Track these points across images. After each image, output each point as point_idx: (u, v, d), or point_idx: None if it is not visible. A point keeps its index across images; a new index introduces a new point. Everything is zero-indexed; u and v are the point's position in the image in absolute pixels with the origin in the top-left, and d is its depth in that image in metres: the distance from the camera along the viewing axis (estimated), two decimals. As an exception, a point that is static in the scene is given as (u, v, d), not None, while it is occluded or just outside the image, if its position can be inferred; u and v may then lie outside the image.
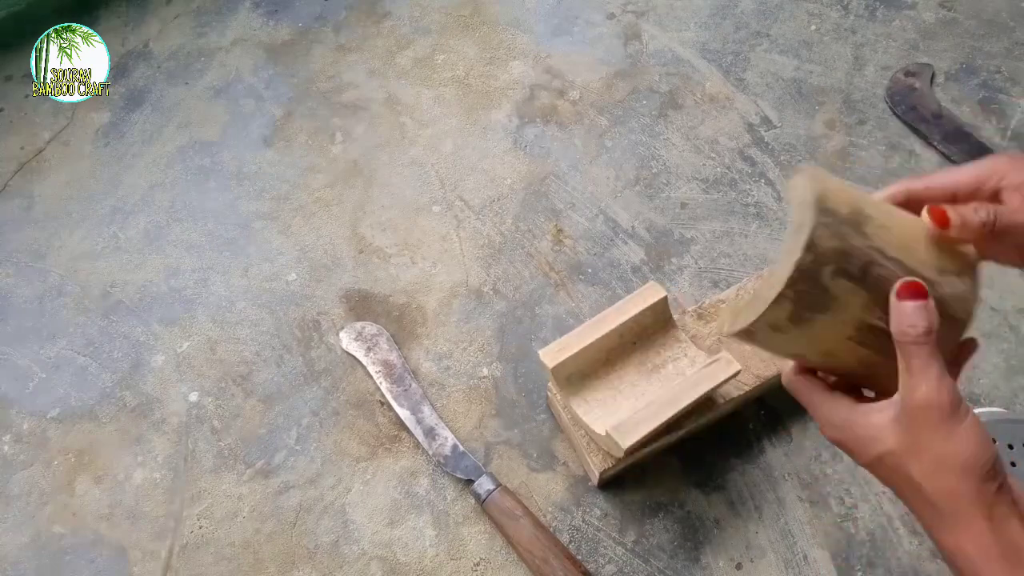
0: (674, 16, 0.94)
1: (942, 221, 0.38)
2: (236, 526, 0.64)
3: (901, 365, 0.37)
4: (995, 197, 0.39)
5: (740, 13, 0.93)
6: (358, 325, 0.72)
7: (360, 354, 0.70)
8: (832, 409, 0.40)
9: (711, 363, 0.57)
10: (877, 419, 0.38)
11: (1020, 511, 0.36)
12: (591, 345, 0.59)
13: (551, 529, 0.61)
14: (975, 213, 0.38)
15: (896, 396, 0.37)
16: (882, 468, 0.38)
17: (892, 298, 0.37)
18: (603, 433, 0.56)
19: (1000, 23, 0.88)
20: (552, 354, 0.59)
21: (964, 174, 0.40)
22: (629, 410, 0.57)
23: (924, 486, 0.36)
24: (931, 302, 0.36)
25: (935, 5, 0.91)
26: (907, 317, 0.36)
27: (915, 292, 0.36)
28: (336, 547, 0.63)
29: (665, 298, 0.60)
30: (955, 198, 0.40)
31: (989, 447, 0.36)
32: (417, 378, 0.69)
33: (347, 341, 0.71)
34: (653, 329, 0.62)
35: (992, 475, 0.36)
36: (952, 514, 0.36)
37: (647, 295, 0.60)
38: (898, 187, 0.41)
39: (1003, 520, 0.35)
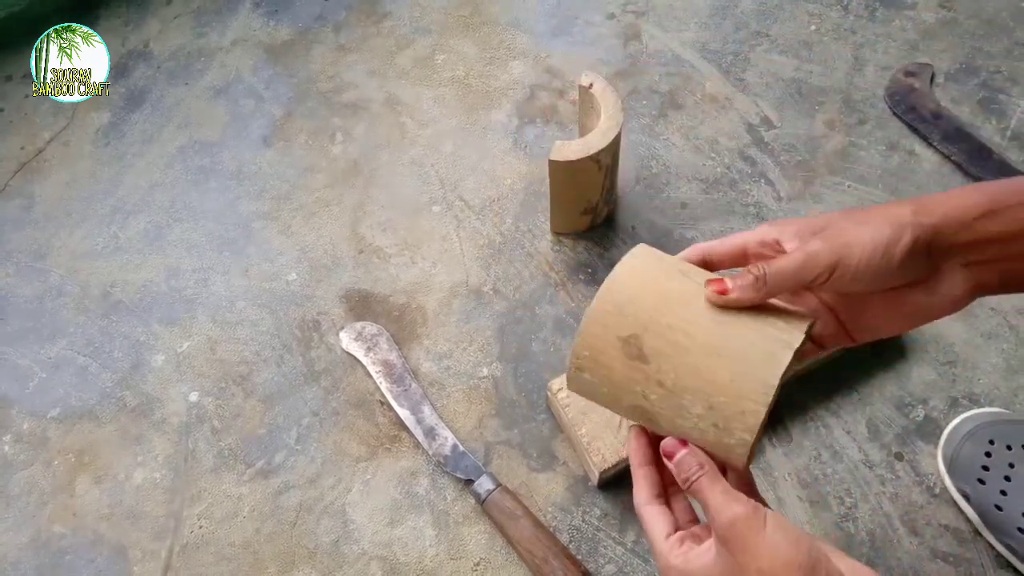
0: (674, 16, 0.94)
1: (722, 290, 0.40)
2: (236, 526, 0.64)
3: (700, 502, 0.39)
4: (778, 247, 0.42)
5: (740, 13, 0.93)
6: (358, 325, 0.72)
7: (360, 354, 0.70)
8: (663, 554, 0.41)
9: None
10: (700, 563, 0.39)
11: None
12: None
13: (551, 529, 0.61)
14: (747, 273, 0.40)
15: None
16: None
17: (664, 458, 0.41)
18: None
19: (1000, 23, 0.88)
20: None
21: (749, 234, 0.43)
22: None
23: None
24: (690, 447, 0.40)
25: (935, 5, 0.91)
26: (682, 470, 0.40)
27: (674, 447, 0.41)
28: (336, 547, 0.63)
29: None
30: (744, 254, 0.43)
31: (801, 540, 0.37)
32: (417, 378, 0.70)
33: (347, 341, 0.71)
34: None
35: (813, 568, 0.36)
36: None
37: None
38: (695, 249, 0.45)
39: None
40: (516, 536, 0.59)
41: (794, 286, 0.40)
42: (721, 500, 0.38)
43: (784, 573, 0.36)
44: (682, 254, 0.45)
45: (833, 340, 0.46)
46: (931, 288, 0.41)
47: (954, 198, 0.40)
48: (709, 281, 0.41)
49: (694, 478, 0.40)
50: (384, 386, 0.68)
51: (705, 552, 0.39)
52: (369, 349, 0.70)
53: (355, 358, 0.71)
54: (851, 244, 0.39)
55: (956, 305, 0.41)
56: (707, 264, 0.44)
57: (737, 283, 0.40)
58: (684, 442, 0.41)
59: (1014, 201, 0.39)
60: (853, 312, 0.44)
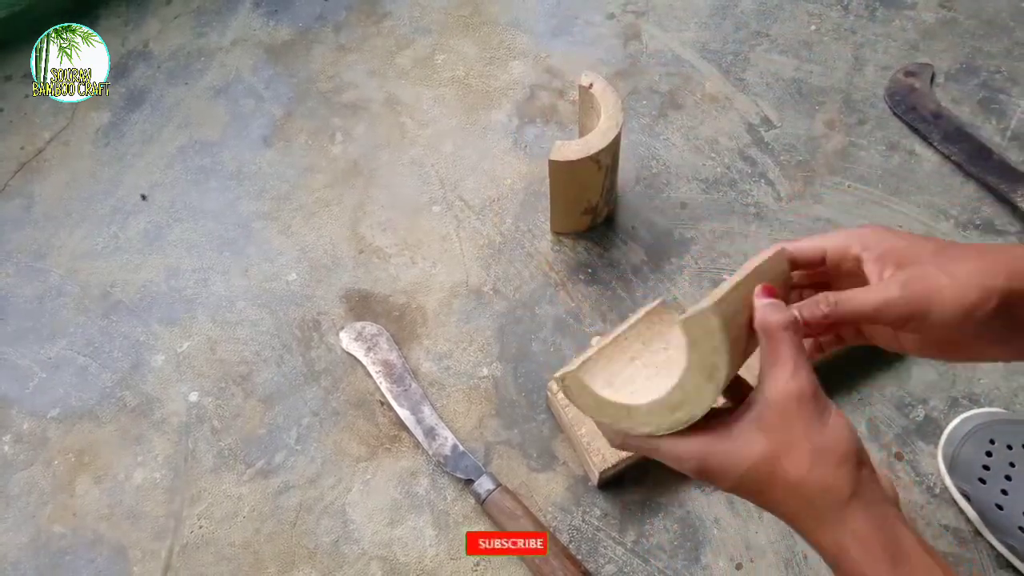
0: (674, 16, 0.94)
1: (772, 294, 0.39)
2: (236, 526, 0.64)
3: (765, 358, 0.37)
4: (857, 263, 0.40)
5: (740, 13, 0.93)
6: (358, 325, 0.72)
7: (360, 354, 0.70)
8: (680, 442, 0.38)
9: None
10: (737, 432, 0.37)
11: (885, 494, 0.36)
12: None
13: (551, 529, 0.61)
14: (817, 305, 0.39)
15: (752, 401, 0.37)
16: (752, 482, 0.37)
17: (754, 299, 0.38)
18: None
19: (1000, 23, 0.88)
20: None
21: (832, 240, 0.41)
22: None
23: (802, 484, 0.35)
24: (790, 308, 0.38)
25: (935, 5, 0.91)
26: (769, 310, 0.37)
27: (771, 292, 0.38)
28: (336, 547, 0.63)
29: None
30: (823, 260, 0.41)
31: (856, 433, 0.36)
32: (417, 378, 0.69)
33: (347, 341, 0.71)
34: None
35: (864, 461, 0.35)
36: (832, 508, 0.35)
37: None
38: (775, 248, 0.42)
39: (879, 509, 0.35)
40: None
41: (862, 323, 0.39)
42: (803, 366, 0.36)
43: (836, 463, 0.35)
44: (765, 252, 0.42)
45: (850, 340, 0.45)
46: (1002, 344, 0.38)
47: None
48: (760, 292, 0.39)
49: (785, 327, 0.37)
50: (384, 386, 0.68)
51: (741, 420, 0.37)
52: (369, 349, 0.70)
53: (355, 358, 0.71)
54: (932, 299, 0.36)
55: (1011, 358, 0.39)
56: (794, 261, 0.42)
57: (805, 313, 0.39)
58: (777, 293, 0.39)
59: None
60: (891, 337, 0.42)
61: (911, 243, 0.39)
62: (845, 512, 0.35)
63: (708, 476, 0.38)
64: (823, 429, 0.35)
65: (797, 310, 0.39)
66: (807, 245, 0.41)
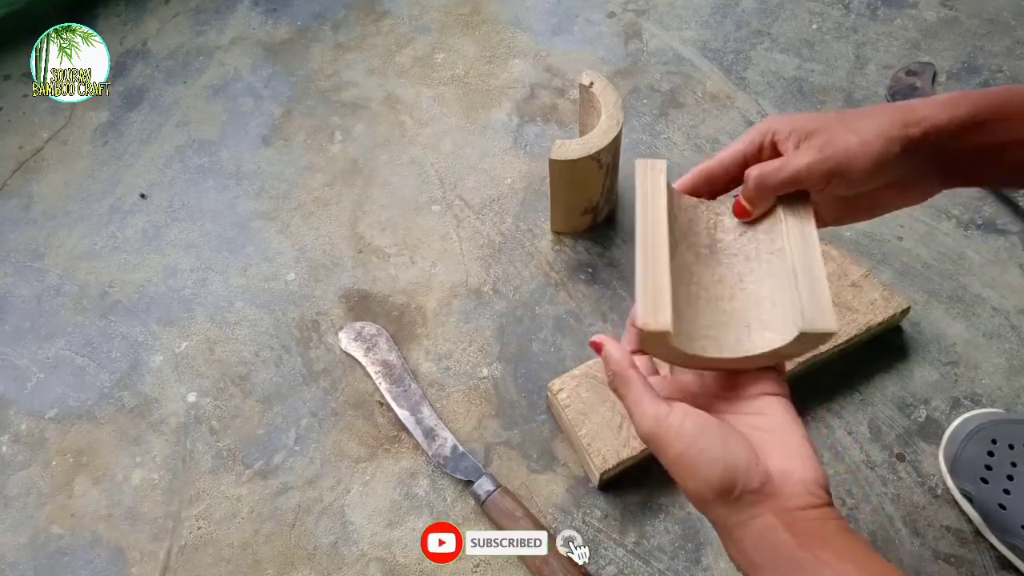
0: (675, 15, 0.93)
1: (743, 213, 0.44)
2: (235, 527, 0.64)
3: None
4: (775, 151, 0.43)
5: (741, 12, 0.93)
6: (357, 325, 0.72)
7: (359, 354, 0.70)
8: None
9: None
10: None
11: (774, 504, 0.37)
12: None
13: (551, 530, 0.61)
14: (747, 186, 0.42)
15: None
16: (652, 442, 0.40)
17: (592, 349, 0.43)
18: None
19: (1002, 22, 0.88)
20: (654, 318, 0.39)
21: (743, 142, 0.44)
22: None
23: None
24: (610, 345, 0.41)
25: (936, 4, 0.90)
26: (608, 364, 0.41)
27: (596, 346, 0.42)
28: (335, 548, 0.62)
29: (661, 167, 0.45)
30: (745, 162, 0.44)
31: (716, 462, 0.37)
32: (417, 378, 0.69)
33: (346, 341, 0.71)
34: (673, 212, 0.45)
35: (729, 489, 0.37)
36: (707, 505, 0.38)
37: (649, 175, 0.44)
38: (696, 172, 0.45)
39: (755, 522, 0.37)
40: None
41: (791, 190, 0.42)
42: (641, 407, 0.39)
43: (695, 488, 0.37)
44: (683, 179, 0.46)
45: None
46: (905, 189, 0.43)
47: (942, 109, 0.41)
48: (734, 206, 0.44)
49: (619, 370, 0.40)
50: (383, 387, 0.68)
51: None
52: (368, 349, 0.70)
53: (354, 358, 0.71)
54: (847, 155, 0.40)
55: (923, 200, 0.44)
56: (712, 182, 0.45)
57: (742, 194, 0.43)
58: (599, 346, 0.41)
59: (997, 115, 0.41)
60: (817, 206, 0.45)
61: (814, 116, 0.43)
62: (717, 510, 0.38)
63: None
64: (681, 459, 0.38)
65: (740, 197, 0.43)
66: (724, 156, 0.44)
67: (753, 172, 0.42)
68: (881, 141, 0.40)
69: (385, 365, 0.69)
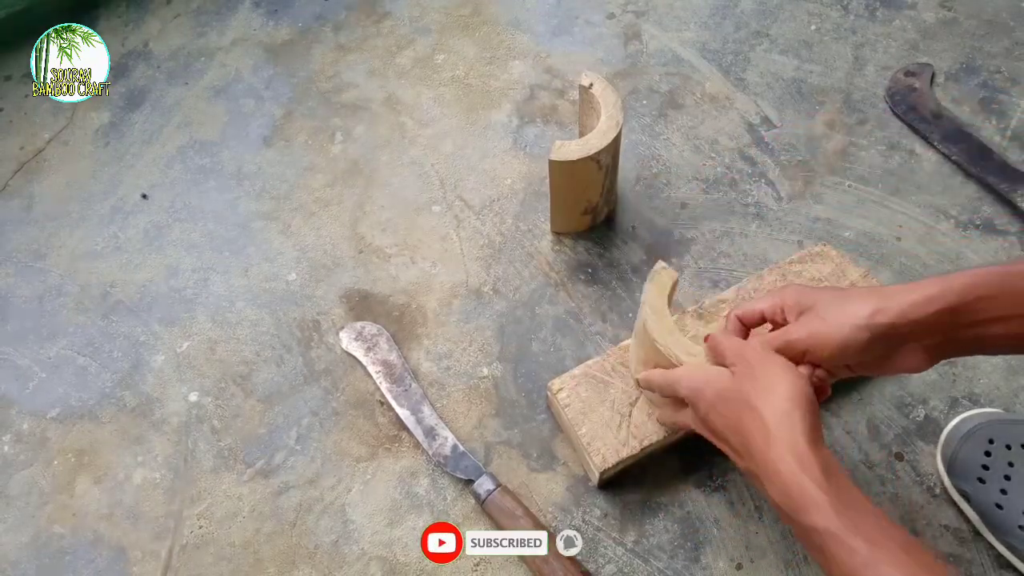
0: (674, 16, 0.94)
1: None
2: (236, 526, 0.64)
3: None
4: (784, 320, 0.51)
5: (740, 13, 0.93)
6: (358, 325, 0.72)
7: (360, 354, 0.70)
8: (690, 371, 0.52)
9: None
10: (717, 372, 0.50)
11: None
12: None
13: (551, 529, 0.61)
14: (762, 338, 0.51)
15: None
16: (723, 402, 0.48)
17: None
18: None
19: (1000, 23, 0.88)
20: None
21: (766, 303, 0.52)
22: None
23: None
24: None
25: (935, 5, 0.91)
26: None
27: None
28: (336, 547, 0.63)
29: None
30: (763, 318, 0.53)
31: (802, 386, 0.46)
32: (417, 378, 0.69)
33: (347, 341, 0.71)
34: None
35: (814, 407, 0.45)
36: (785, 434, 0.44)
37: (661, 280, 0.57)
38: (732, 317, 0.54)
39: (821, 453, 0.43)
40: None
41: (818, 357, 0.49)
42: (739, 341, 0.50)
43: (791, 403, 0.44)
44: (721, 324, 0.55)
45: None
46: (890, 364, 0.48)
47: (914, 295, 0.45)
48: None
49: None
50: (384, 386, 0.68)
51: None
52: (369, 349, 0.70)
53: (355, 358, 0.71)
54: (819, 337, 0.47)
55: (917, 371, 0.48)
56: (741, 323, 0.54)
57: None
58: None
59: (972, 296, 0.44)
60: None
61: (812, 296, 0.49)
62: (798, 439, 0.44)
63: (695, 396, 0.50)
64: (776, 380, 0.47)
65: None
66: (752, 310, 0.53)
67: (755, 340, 0.51)
68: (848, 329, 0.46)
69: (386, 365, 0.69)
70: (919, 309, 0.45)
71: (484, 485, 0.61)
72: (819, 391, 0.49)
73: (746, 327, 0.54)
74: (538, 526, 0.59)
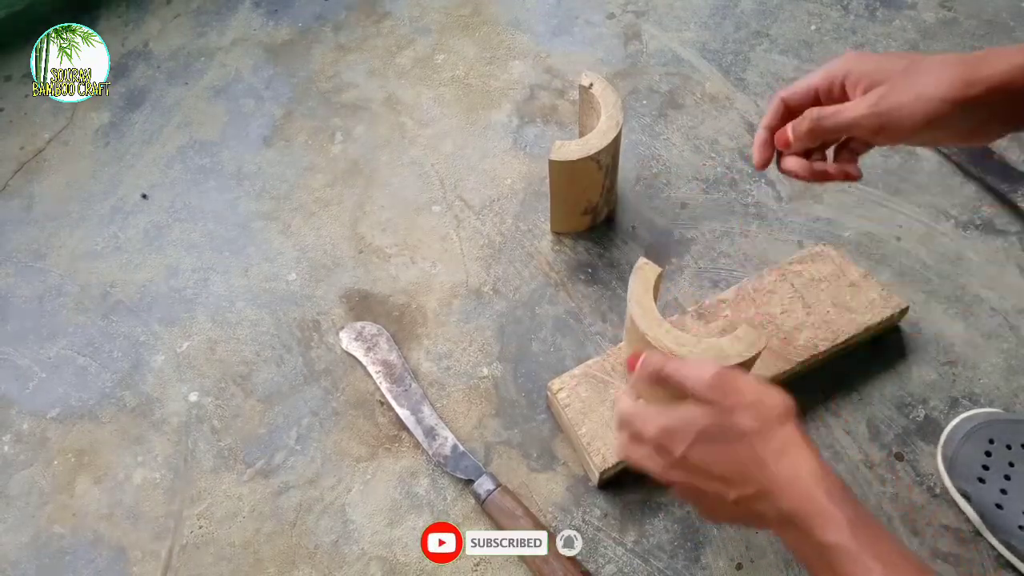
0: (674, 16, 0.94)
1: (785, 143, 0.51)
2: (236, 526, 0.64)
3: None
4: (843, 92, 0.47)
5: (740, 13, 0.93)
6: (358, 325, 0.72)
7: (360, 354, 0.70)
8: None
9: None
10: (685, 410, 0.45)
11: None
12: None
13: (551, 529, 0.61)
14: (802, 121, 0.48)
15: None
16: (721, 380, 0.44)
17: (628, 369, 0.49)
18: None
19: (1000, 23, 0.88)
20: None
21: (817, 76, 0.48)
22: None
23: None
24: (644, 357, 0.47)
25: (935, 5, 0.91)
26: (647, 364, 0.46)
27: (635, 356, 0.48)
28: (336, 547, 0.63)
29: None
30: (816, 95, 0.49)
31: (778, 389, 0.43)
32: (417, 378, 0.69)
33: (347, 341, 0.71)
34: None
35: (791, 410, 0.42)
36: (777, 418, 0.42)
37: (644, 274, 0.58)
38: (776, 100, 0.51)
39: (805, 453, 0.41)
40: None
41: (841, 136, 0.47)
42: (696, 364, 0.44)
43: (771, 406, 0.41)
44: (771, 107, 0.51)
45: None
46: (960, 138, 0.45)
47: (1002, 64, 0.42)
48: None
49: (661, 365, 0.45)
50: (384, 386, 0.68)
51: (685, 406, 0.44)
52: (369, 349, 0.70)
53: (355, 358, 0.71)
54: (898, 113, 0.43)
55: (980, 144, 0.48)
56: (787, 107, 0.50)
57: (795, 128, 0.48)
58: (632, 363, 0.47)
59: None
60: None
61: (882, 64, 0.45)
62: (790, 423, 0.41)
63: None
64: (746, 390, 0.43)
65: (790, 126, 0.49)
66: (799, 88, 0.49)
67: (812, 113, 0.47)
68: (936, 102, 0.42)
69: (386, 365, 0.69)
70: (1013, 79, 0.41)
71: (484, 485, 0.61)
72: (848, 174, 0.49)
73: (791, 111, 0.50)
74: (538, 526, 0.59)
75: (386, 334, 0.71)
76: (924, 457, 0.63)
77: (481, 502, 0.61)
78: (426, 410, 0.67)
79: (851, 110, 0.45)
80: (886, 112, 0.44)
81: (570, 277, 0.75)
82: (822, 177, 0.51)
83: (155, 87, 0.93)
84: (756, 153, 0.53)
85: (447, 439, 0.65)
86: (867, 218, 0.76)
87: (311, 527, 0.64)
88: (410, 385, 0.68)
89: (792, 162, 0.51)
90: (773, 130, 0.52)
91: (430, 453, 0.65)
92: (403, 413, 0.67)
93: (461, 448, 0.64)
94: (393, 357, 0.70)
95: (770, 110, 0.51)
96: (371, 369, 0.69)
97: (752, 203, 0.78)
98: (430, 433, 0.65)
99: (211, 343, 0.74)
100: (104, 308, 0.77)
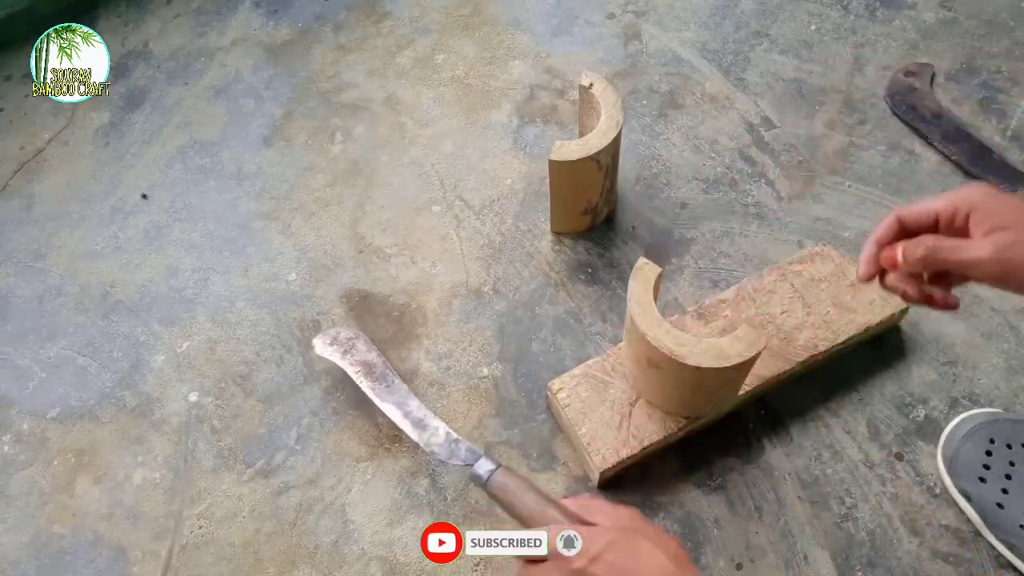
0: (674, 16, 0.94)
1: (893, 265, 0.46)
2: (236, 526, 0.64)
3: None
4: (965, 225, 0.45)
5: (740, 13, 0.93)
6: (332, 331, 0.70)
7: (336, 358, 0.68)
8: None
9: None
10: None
11: None
12: None
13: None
14: (917, 246, 0.45)
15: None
16: None
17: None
18: None
19: (1000, 23, 0.88)
20: None
21: (940, 202, 0.45)
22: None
23: None
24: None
25: (935, 5, 0.91)
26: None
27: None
28: (336, 547, 0.63)
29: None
30: (935, 223, 0.46)
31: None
32: (410, 377, 0.69)
33: (320, 347, 0.69)
34: None
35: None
36: None
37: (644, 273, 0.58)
38: (891, 217, 0.48)
39: None
40: (526, 513, 0.56)
41: (955, 271, 0.44)
42: (974, 245, 0.42)
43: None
44: (885, 222, 0.48)
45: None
46: None
47: None
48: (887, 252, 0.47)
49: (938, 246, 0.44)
50: (366, 384, 0.66)
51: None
52: (346, 352, 0.68)
53: (332, 363, 0.69)
54: (1020, 268, 0.41)
55: None
56: (902, 226, 0.48)
57: (907, 249, 0.45)
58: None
59: None
60: None
61: (1013, 208, 0.43)
62: None
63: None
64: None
65: (901, 247, 0.46)
66: (919, 211, 0.46)
67: (929, 241, 0.44)
68: None
69: (365, 365, 0.67)
70: None
71: (484, 466, 0.56)
72: (947, 305, 0.47)
73: (906, 231, 0.47)
74: (547, 499, 0.56)
75: (363, 337, 0.70)
76: (924, 457, 0.63)
77: (484, 484, 0.57)
78: (413, 404, 0.64)
79: (974, 250, 0.42)
80: (1012, 261, 0.41)
81: (570, 277, 0.75)
82: (927, 301, 0.48)
83: (155, 87, 0.93)
84: (862, 267, 0.50)
85: (438, 428, 0.62)
86: (867, 218, 0.76)
87: (311, 527, 0.64)
88: (392, 381, 0.67)
89: (903, 282, 0.48)
90: (883, 245, 0.49)
91: (422, 446, 0.62)
92: (388, 408, 0.64)
93: (454, 435, 0.61)
94: (372, 357, 0.68)
95: (883, 224, 0.48)
96: (350, 371, 0.67)
97: (752, 203, 0.78)
98: (420, 425, 0.63)
99: (211, 343, 0.74)
100: (104, 308, 0.77)
